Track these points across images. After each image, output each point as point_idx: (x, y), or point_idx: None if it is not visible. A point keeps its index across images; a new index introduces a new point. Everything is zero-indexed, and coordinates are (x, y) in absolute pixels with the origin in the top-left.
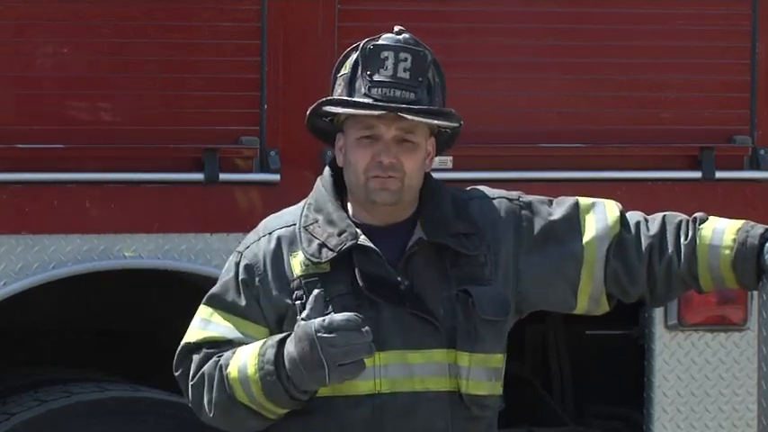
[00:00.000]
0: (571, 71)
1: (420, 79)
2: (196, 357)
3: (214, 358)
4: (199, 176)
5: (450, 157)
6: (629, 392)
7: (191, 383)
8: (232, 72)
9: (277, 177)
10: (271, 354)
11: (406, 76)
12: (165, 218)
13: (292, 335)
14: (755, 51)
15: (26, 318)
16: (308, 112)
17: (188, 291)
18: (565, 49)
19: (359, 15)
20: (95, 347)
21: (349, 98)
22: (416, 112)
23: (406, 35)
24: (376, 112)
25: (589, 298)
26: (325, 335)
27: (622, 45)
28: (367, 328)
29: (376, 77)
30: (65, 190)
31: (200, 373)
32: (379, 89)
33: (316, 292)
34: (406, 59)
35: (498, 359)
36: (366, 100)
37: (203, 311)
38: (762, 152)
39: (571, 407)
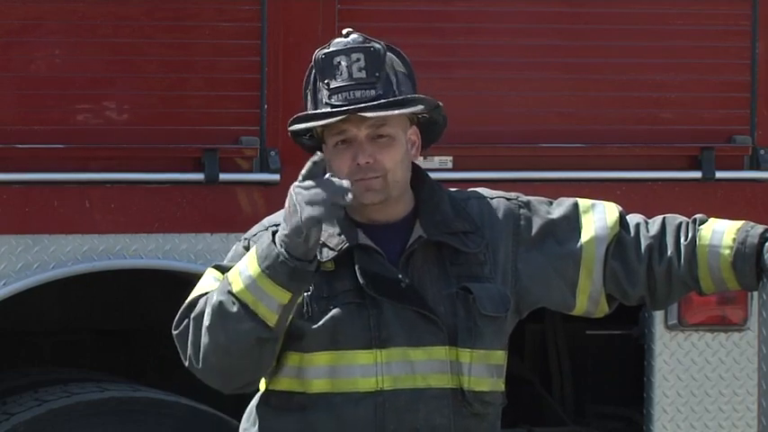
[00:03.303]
0: (571, 71)
1: (377, 74)
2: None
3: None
4: (199, 176)
5: (451, 157)
6: (629, 392)
7: (192, 317)
8: (232, 72)
9: (277, 177)
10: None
11: (363, 75)
12: (165, 218)
13: None
14: (755, 51)
15: (26, 318)
16: (289, 135)
17: (188, 291)
18: (565, 49)
19: (359, 15)
20: (95, 347)
21: (312, 111)
22: (374, 108)
23: (355, 35)
24: (333, 120)
25: (588, 298)
26: (299, 183)
27: (622, 45)
28: (346, 181)
29: (333, 84)
30: (65, 190)
31: (203, 300)
32: (339, 95)
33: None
34: (359, 59)
35: (500, 356)
36: (327, 109)
37: (210, 272)
38: (762, 152)
39: (571, 407)
